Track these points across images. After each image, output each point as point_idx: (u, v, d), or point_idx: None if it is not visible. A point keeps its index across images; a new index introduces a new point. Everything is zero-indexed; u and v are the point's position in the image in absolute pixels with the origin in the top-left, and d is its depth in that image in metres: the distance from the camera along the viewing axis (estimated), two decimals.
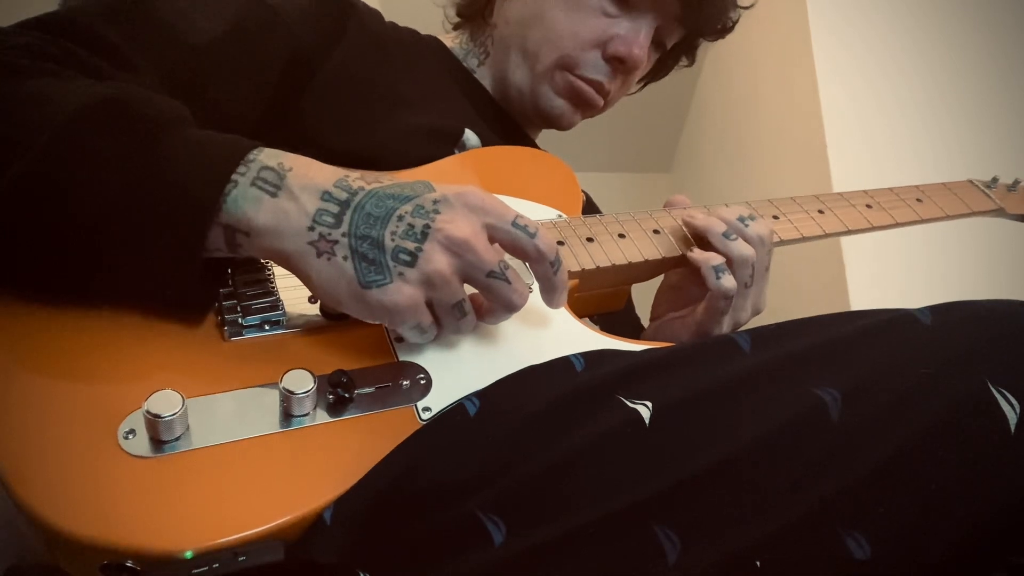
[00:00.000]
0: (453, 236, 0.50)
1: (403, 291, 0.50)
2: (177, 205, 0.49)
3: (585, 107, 0.89)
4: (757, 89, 2.03)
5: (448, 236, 0.50)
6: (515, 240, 0.54)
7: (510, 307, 0.54)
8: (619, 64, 0.85)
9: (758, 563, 0.39)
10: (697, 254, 0.69)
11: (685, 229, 0.72)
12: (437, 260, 0.50)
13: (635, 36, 0.84)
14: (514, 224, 0.53)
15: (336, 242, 0.50)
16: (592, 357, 0.51)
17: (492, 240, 0.53)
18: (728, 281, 0.68)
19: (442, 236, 0.50)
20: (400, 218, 0.51)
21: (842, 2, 1.67)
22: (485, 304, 0.55)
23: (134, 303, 0.52)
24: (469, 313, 0.54)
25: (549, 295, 0.57)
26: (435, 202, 0.51)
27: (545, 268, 0.55)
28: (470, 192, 0.53)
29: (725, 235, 0.69)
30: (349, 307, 0.51)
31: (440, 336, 0.55)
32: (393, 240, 0.50)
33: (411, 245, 0.50)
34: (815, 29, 1.67)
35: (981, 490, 0.39)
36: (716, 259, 0.68)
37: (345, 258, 0.50)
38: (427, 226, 0.50)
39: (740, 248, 0.68)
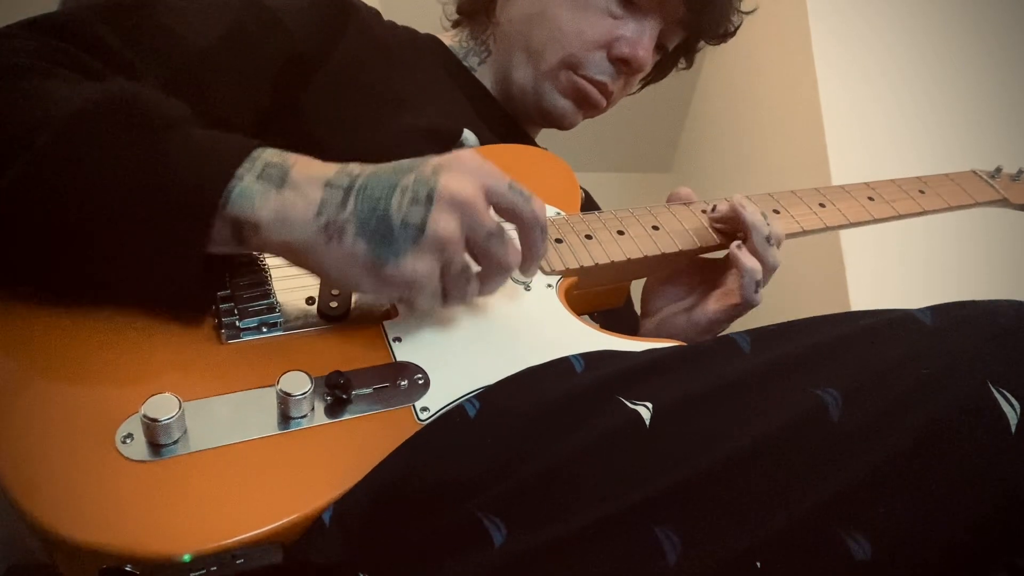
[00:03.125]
0: (456, 195, 0.50)
1: (417, 259, 0.50)
2: (181, 199, 0.49)
3: (588, 107, 0.89)
4: (757, 89, 2.02)
5: (452, 196, 0.50)
6: (511, 203, 0.54)
7: (507, 268, 0.54)
8: (624, 65, 0.85)
9: (758, 563, 0.39)
10: (745, 259, 0.68)
11: (710, 216, 0.72)
12: (444, 221, 0.50)
13: (640, 38, 0.84)
14: (510, 187, 0.54)
15: (344, 225, 0.50)
16: (592, 358, 0.51)
17: (488, 203, 0.53)
18: (760, 296, 0.68)
19: (447, 196, 0.50)
20: (403, 190, 0.50)
21: (842, 2, 1.67)
22: (480, 273, 0.55)
23: (132, 306, 0.52)
24: (473, 280, 0.54)
25: (528, 263, 0.57)
26: (434, 170, 0.52)
27: (536, 235, 0.56)
28: (466, 155, 0.53)
29: (768, 239, 0.68)
30: (366, 286, 0.51)
31: (446, 305, 0.54)
32: (400, 211, 0.50)
33: (417, 212, 0.50)
34: (815, 29, 1.66)
35: (981, 490, 0.39)
36: (759, 272, 0.68)
37: (355, 239, 0.50)
38: (431, 191, 0.50)
39: (775, 256, 0.68)
